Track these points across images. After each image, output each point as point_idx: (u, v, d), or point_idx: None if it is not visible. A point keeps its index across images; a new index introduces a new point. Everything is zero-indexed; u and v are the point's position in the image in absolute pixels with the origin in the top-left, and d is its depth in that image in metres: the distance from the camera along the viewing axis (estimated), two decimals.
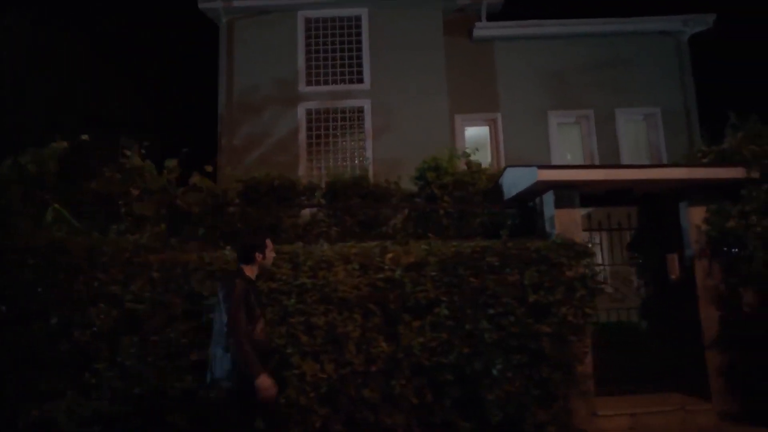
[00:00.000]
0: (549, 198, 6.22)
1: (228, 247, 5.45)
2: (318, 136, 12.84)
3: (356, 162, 12.64)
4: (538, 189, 6.29)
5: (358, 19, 13.32)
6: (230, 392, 3.76)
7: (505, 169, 6.93)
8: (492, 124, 13.52)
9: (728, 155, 6.46)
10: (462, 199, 6.90)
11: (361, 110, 12.92)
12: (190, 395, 4.93)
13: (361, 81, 13.08)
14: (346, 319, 5.12)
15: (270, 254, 4.22)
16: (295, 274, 5.07)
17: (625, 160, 12.69)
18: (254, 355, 3.66)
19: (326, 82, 13.08)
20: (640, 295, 7.30)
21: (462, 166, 7.35)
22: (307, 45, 13.19)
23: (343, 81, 13.10)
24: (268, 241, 4.23)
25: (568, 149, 13.43)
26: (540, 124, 13.30)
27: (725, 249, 6.24)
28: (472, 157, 7.46)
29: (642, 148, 13.40)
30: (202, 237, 5.98)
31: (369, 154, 12.58)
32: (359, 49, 13.20)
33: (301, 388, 5.02)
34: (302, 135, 12.76)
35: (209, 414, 4.72)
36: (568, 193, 6.18)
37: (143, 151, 6.36)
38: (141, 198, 5.85)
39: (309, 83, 13.07)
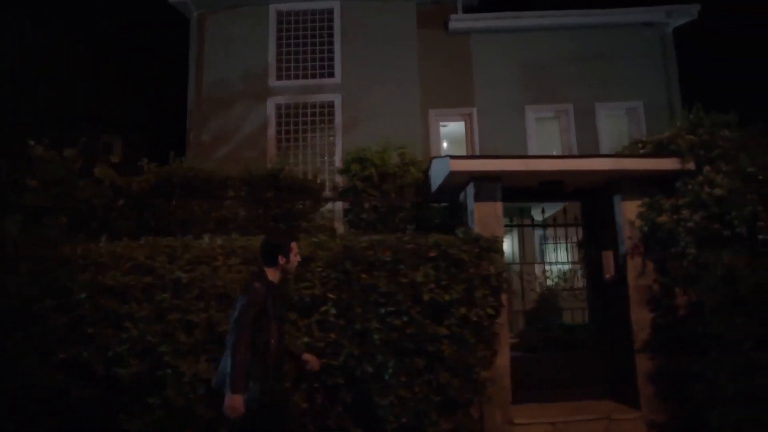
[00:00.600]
0: (470, 191, 5.85)
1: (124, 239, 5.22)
2: (287, 132, 12.58)
3: (325, 158, 12.36)
4: (460, 181, 5.93)
5: (330, 12, 13.04)
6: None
7: (431, 160, 6.56)
8: (467, 119, 13.12)
9: (666, 145, 6.01)
10: (387, 192, 6.56)
11: (331, 105, 12.63)
12: (62, 395, 4.69)
13: (332, 75, 12.78)
14: (228, 316, 4.81)
15: (294, 258, 3.80)
16: (171, 268, 4.79)
17: None
18: (244, 369, 3.37)
19: (297, 77, 12.80)
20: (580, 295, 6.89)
21: (396, 158, 7.00)
22: (278, 39, 12.94)
23: (313, 75, 12.80)
24: (294, 244, 3.81)
25: (546, 145, 12.94)
26: (517, 118, 12.84)
27: (659, 246, 5.80)
28: (407, 150, 7.12)
29: (624, 143, 12.84)
30: (105, 231, 5.72)
31: (339, 149, 12.28)
32: (331, 43, 12.91)
33: (180, 389, 4.74)
34: (271, 130, 12.51)
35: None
36: (489, 186, 5.81)
37: (46, 141, 6.13)
38: (37, 189, 5.62)
39: (279, 77, 12.81)
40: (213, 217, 6.39)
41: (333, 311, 4.85)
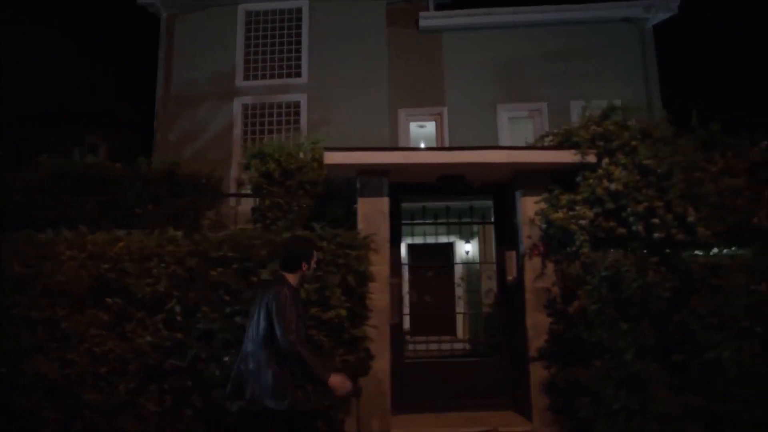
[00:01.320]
0: (357, 186, 5.54)
1: None
2: (253, 132, 12.42)
3: None
4: (348, 175, 5.62)
5: (299, 11, 12.87)
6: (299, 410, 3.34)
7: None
8: (438, 119, 12.75)
9: (569, 137, 5.59)
10: (291, 188, 6.29)
11: (297, 105, 12.44)
12: None
13: (299, 75, 12.59)
14: (72, 313, 4.62)
15: (313, 265, 3.77)
16: (10, 263, 4.61)
17: None
18: (317, 357, 3.36)
19: (264, 77, 12.66)
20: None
21: (304, 154, 6.73)
22: (247, 39, 12.82)
23: (281, 75, 12.64)
24: (315, 252, 3.80)
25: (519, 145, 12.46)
26: (489, 118, 12.40)
27: (560, 246, 5.37)
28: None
29: None
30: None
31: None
32: (299, 42, 12.73)
33: (22, 389, 4.55)
34: (237, 130, 12.38)
35: None
36: (374, 181, 5.49)
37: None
38: None
39: (247, 77, 12.69)
40: (110, 214, 6.21)
41: (178, 309, 4.60)
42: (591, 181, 5.19)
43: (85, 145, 16.25)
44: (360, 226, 5.36)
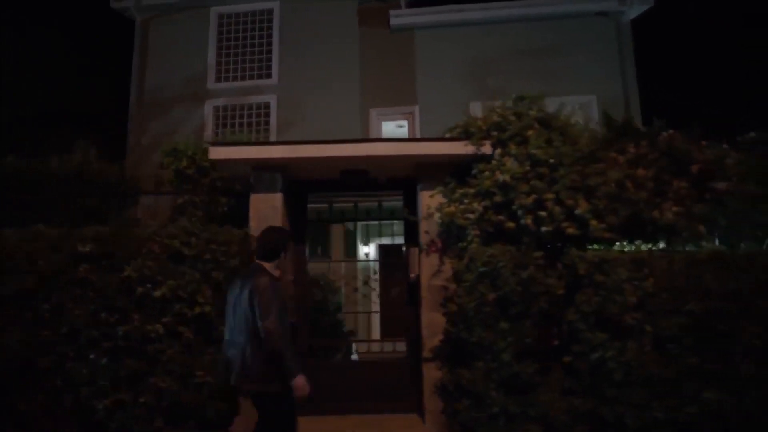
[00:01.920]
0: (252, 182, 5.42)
1: None
2: (224, 134, 12.43)
3: None
4: (242, 172, 5.50)
5: (270, 12, 12.87)
6: (271, 392, 3.46)
7: None
8: (410, 118, 12.56)
9: (470, 128, 5.37)
10: (205, 185, 6.20)
11: (267, 105, 12.40)
12: None
13: (269, 76, 12.57)
14: None
15: (289, 255, 4.00)
16: None
17: None
18: (294, 351, 3.46)
19: (235, 78, 12.67)
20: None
21: None
22: (219, 41, 12.85)
23: (251, 77, 12.63)
24: (291, 241, 4.00)
25: None
26: (461, 116, 12.13)
27: (458, 241, 5.15)
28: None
29: None
30: None
31: None
32: (269, 44, 12.72)
33: None
34: (208, 132, 12.37)
35: None
36: (266, 176, 5.37)
37: None
38: None
39: (218, 80, 12.71)
40: (27, 213, 6.21)
41: (46, 306, 4.53)
42: (486, 173, 4.97)
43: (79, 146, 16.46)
44: (252, 223, 5.24)
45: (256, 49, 12.71)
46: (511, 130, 4.97)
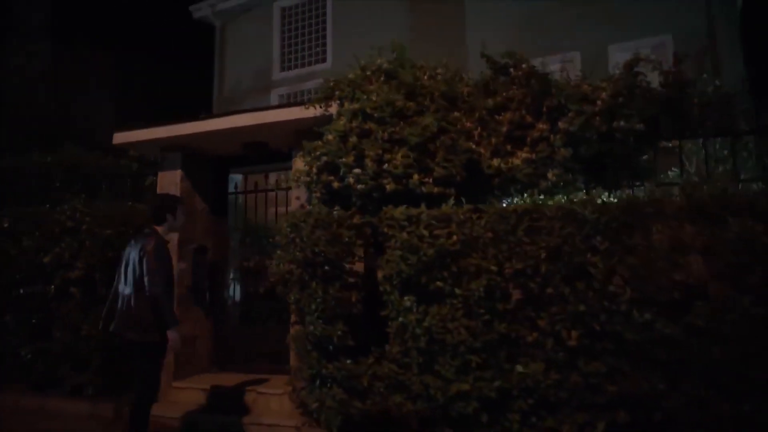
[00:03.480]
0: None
1: None
2: None
3: None
4: (152, 154, 6.07)
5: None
6: (150, 342, 3.89)
7: None
8: None
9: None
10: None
11: None
12: None
13: (324, 60, 13.12)
14: None
15: (181, 217, 4.32)
16: None
17: None
18: (170, 309, 3.91)
19: (296, 66, 13.49)
20: None
21: None
22: (282, 33, 13.72)
23: (309, 63, 13.33)
24: (181, 205, 4.37)
25: None
26: None
27: None
28: None
29: None
30: None
31: None
32: (323, 29, 13.27)
33: None
34: None
35: None
36: (169, 156, 5.84)
37: None
38: None
39: (282, 70, 13.61)
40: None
41: None
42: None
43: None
44: None
45: (313, 36, 13.30)
46: (348, 88, 4.76)
